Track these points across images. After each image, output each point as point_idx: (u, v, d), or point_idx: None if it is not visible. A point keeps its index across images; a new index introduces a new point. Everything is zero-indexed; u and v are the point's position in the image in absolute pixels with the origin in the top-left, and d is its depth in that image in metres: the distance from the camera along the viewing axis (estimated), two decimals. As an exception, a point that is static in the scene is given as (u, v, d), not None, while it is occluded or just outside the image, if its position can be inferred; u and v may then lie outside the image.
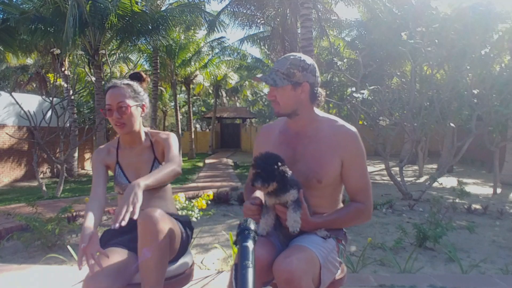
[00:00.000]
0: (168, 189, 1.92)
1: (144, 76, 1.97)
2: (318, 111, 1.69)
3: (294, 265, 1.35)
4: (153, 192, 1.76)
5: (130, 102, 1.78)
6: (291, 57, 1.59)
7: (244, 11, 14.91)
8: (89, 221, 1.56)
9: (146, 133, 1.91)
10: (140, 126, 1.86)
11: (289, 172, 1.47)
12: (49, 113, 8.51)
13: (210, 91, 25.90)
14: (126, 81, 1.83)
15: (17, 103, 8.07)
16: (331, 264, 1.54)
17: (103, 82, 10.56)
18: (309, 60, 1.60)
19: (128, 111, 1.77)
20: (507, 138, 9.22)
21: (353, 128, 1.64)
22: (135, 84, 1.85)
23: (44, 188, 7.91)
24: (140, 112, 1.85)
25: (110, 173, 1.92)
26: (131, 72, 2.02)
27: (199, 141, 25.88)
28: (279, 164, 1.45)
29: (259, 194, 1.63)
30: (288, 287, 1.33)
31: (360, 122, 8.96)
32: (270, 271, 1.45)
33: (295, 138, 1.66)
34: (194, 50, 17.80)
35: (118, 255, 1.55)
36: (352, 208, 1.62)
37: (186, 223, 1.88)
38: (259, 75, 1.61)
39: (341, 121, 1.67)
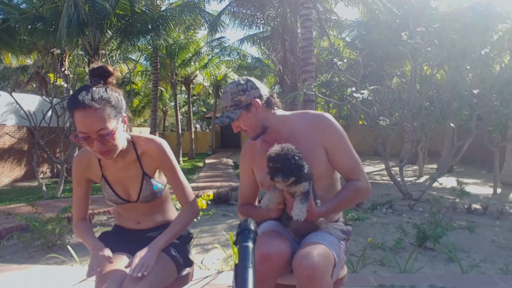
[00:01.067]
0: (167, 199, 1.77)
1: (111, 70, 1.49)
2: (283, 112, 1.71)
3: (316, 262, 1.35)
4: (153, 206, 1.68)
5: (112, 124, 1.39)
6: (228, 88, 1.63)
7: (244, 11, 14.92)
8: (94, 241, 1.54)
9: (129, 143, 1.58)
10: (124, 139, 1.54)
11: (306, 166, 1.49)
12: (49, 113, 8.50)
13: (210, 91, 25.90)
14: (98, 94, 1.37)
15: (17, 103, 8.07)
16: (340, 262, 1.56)
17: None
18: (242, 80, 1.64)
19: (114, 138, 1.41)
20: (507, 138, 9.22)
21: (326, 114, 1.67)
22: (112, 95, 1.41)
23: (44, 188, 7.91)
24: (122, 127, 1.49)
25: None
26: (97, 66, 1.48)
27: (199, 141, 25.89)
28: (297, 157, 1.47)
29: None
30: (310, 284, 1.34)
31: (360, 122, 8.95)
32: (286, 265, 1.46)
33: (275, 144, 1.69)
34: (194, 50, 17.80)
35: (119, 261, 1.55)
36: (349, 188, 1.63)
37: (181, 237, 1.74)
38: (216, 120, 1.67)
39: (312, 111, 1.71)
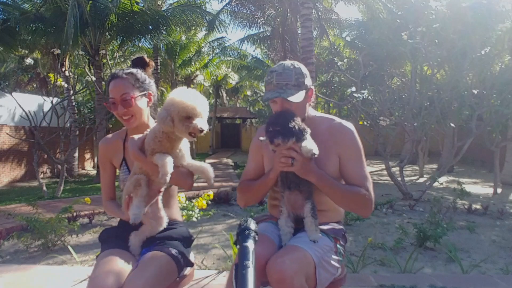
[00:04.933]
0: (174, 196, 1.82)
1: (148, 60, 1.80)
2: (313, 111, 1.72)
3: (286, 265, 1.36)
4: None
5: (134, 92, 1.65)
6: (291, 66, 1.60)
7: (245, 11, 14.92)
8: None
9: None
10: (149, 117, 1.75)
11: (308, 129, 1.49)
12: (49, 113, 8.51)
13: (211, 91, 25.90)
14: (128, 70, 1.68)
15: (18, 103, 8.08)
16: (328, 263, 1.53)
17: (103, 82, 10.56)
18: (301, 65, 1.64)
19: (133, 102, 1.63)
20: (507, 138, 9.22)
21: (349, 125, 1.66)
22: (138, 72, 1.70)
23: (44, 188, 7.92)
24: (147, 102, 1.71)
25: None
26: (136, 57, 1.81)
27: (200, 141, 25.84)
28: (297, 120, 1.47)
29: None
30: (280, 287, 1.34)
31: (361, 122, 8.94)
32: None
33: None
34: (195, 50, 17.80)
35: (119, 256, 1.54)
36: (356, 188, 1.58)
37: (183, 238, 1.74)
38: (277, 95, 1.55)
39: (337, 119, 1.69)
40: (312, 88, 1.65)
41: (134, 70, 1.69)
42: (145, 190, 1.52)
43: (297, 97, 1.55)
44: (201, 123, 1.44)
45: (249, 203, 1.81)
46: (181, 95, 1.44)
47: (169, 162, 1.45)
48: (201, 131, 1.44)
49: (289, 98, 1.53)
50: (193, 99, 1.44)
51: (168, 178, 1.43)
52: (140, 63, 1.78)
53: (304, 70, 1.62)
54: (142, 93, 1.68)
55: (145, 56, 1.81)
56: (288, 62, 1.64)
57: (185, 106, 1.42)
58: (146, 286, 1.37)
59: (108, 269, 1.44)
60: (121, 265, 1.49)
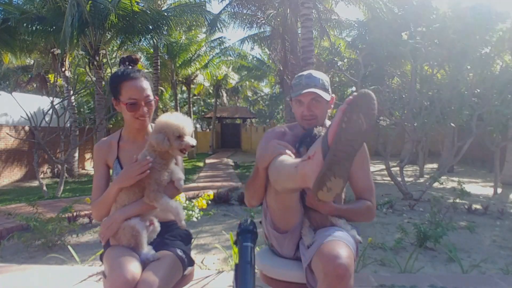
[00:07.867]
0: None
1: (138, 58, 1.82)
2: (327, 120, 1.81)
3: (346, 262, 1.32)
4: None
5: (152, 95, 1.72)
6: (318, 74, 1.73)
7: (245, 11, 14.91)
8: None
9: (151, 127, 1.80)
10: None
11: None
12: (50, 113, 8.51)
13: (211, 91, 25.89)
14: (142, 72, 1.72)
15: (18, 103, 8.08)
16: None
17: (103, 82, 10.56)
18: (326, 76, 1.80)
19: (153, 105, 1.71)
20: (507, 138, 9.22)
21: None
22: (148, 75, 1.77)
23: (44, 188, 7.91)
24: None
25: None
26: (126, 56, 1.82)
27: (200, 141, 25.85)
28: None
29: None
30: (339, 283, 1.29)
31: (361, 122, 8.98)
32: None
33: None
34: (195, 51, 17.80)
35: (127, 251, 1.55)
36: (364, 204, 1.73)
37: (184, 237, 1.78)
38: (309, 89, 1.67)
39: None
40: (333, 97, 1.76)
41: (145, 74, 1.74)
42: (145, 234, 1.59)
43: (325, 95, 1.69)
44: (191, 140, 1.59)
45: (251, 203, 1.80)
46: (172, 118, 1.59)
47: (180, 209, 1.58)
48: (192, 146, 1.59)
49: (319, 93, 1.66)
50: (182, 121, 1.59)
51: (184, 223, 1.57)
52: (130, 61, 1.79)
53: (328, 79, 1.76)
54: (154, 95, 1.75)
55: (135, 54, 1.84)
56: (314, 71, 1.78)
57: (178, 126, 1.57)
58: (162, 285, 1.40)
59: (125, 259, 1.45)
60: (134, 256, 1.51)
